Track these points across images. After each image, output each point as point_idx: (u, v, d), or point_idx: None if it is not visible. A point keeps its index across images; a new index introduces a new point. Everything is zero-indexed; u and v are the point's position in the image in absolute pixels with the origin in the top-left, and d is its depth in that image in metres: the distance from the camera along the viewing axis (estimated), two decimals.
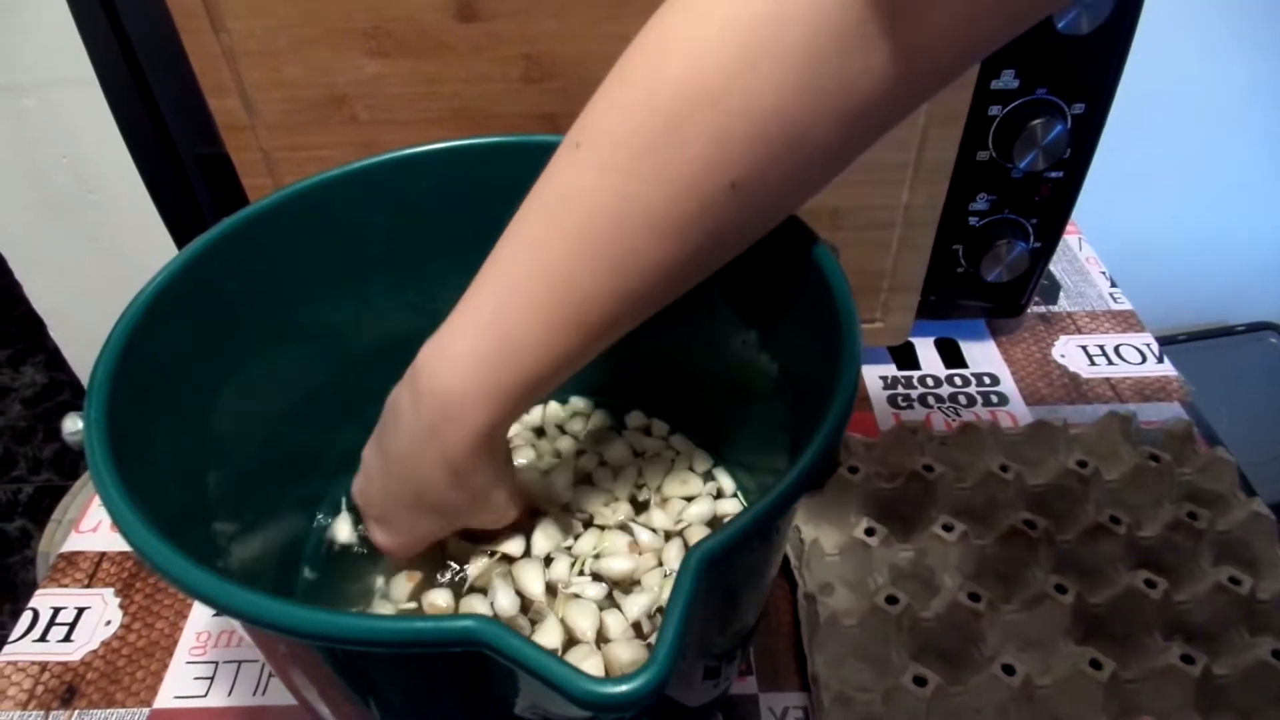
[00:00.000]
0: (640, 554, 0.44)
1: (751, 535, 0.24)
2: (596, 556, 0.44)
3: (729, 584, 0.29)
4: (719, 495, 0.48)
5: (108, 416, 0.29)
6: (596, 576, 0.43)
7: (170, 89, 0.52)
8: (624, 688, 0.21)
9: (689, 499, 0.47)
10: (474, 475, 0.35)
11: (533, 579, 0.41)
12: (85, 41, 0.50)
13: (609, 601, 0.42)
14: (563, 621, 0.40)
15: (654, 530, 0.45)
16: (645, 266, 0.30)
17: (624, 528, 0.45)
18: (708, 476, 0.49)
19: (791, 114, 0.27)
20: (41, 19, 0.73)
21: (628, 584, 0.43)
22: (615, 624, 0.40)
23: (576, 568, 0.43)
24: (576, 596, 0.41)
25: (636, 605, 0.41)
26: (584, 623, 0.40)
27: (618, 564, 0.42)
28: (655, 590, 0.42)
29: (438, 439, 0.33)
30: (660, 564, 0.44)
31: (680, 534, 0.45)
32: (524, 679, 0.22)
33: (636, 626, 0.41)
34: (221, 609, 0.23)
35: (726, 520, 0.32)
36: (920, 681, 0.40)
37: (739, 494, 0.48)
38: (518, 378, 0.32)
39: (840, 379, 0.29)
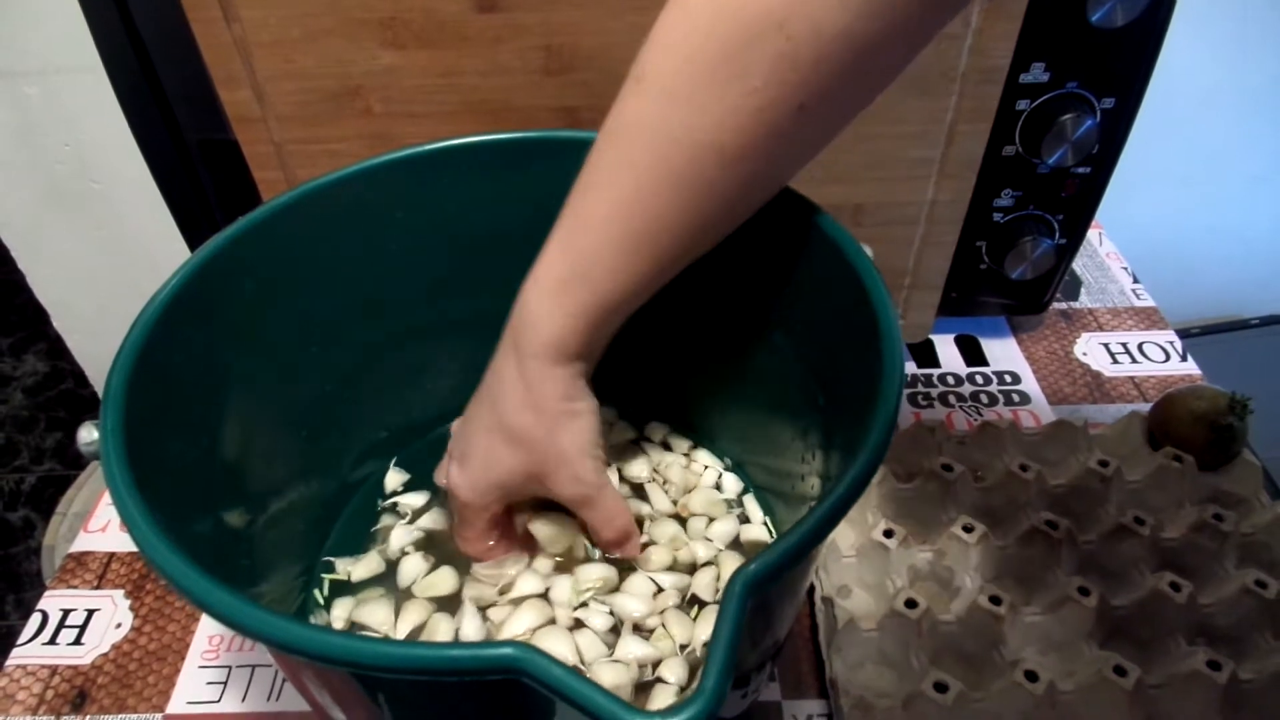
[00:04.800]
0: (659, 592, 0.43)
1: (797, 558, 0.23)
2: (616, 589, 0.43)
3: (767, 602, 0.28)
4: (744, 520, 0.47)
5: (124, 426, 0.28)
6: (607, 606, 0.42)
7: (177, 75, 0.51)
8: None
9: (712, 519, 0.47)
10: (546, 394, 0.35)
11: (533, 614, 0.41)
12: (91, 27, 0.48)
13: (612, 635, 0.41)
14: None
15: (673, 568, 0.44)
16: (713, 192, 0.30)
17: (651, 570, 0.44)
18: (735, 502, 0.48)
19: (859, 33, 0.26)
20: (45, 5, 0.71)
21: (637, 626, 0.41)
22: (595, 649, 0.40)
23: (588, 594, 0.42)
24: (580, 625, 0.41)
25: (634, 649, 0.39)
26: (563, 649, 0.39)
27: (633, 605, 0.41)
28: (659, 649, 0.40)
29: (516, 350, 0.35)
30: (680, 605, 0.42)
31: (714, 561, 0.45)
32: (562, 708, 0.22)
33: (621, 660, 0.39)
34: (256, 637, 0.22)
35: (770, 543, 0.30)
36: (941, 688, 0.40)
37: (767, 522, 0.48)
38: (590, 294, 0.33)
39: (882, 393, 0.28)
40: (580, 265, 0.33)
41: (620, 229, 0.32)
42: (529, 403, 0.36)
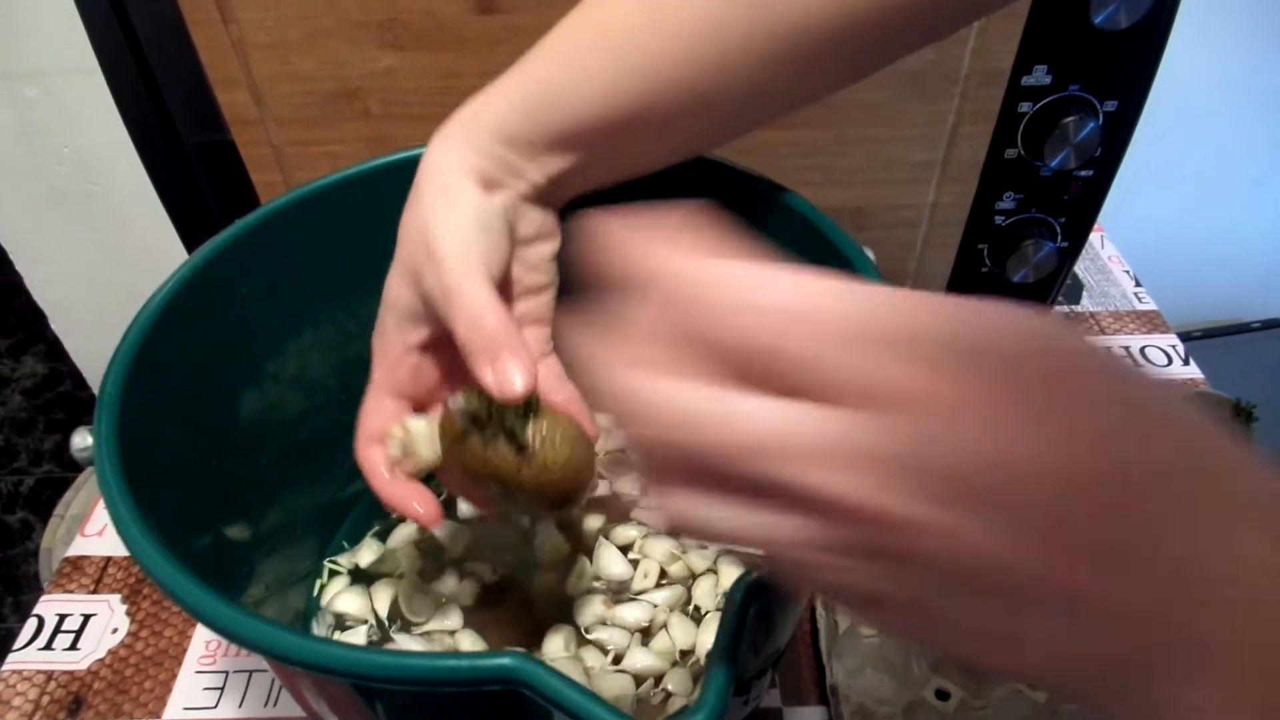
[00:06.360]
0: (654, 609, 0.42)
1: None
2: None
3: (769, 609, 0.28)
4: None
5: (119, 431, 0.28)
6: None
7: (174, 77, 0.50)
8: None
9: None
10: (428, 165, 0.32)
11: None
12: (88, 29, 0.48)
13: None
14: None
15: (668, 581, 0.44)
16: (660, 35, 0.30)
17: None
18: None
19: None
20: (43, 6, 0.71)
21: (645, 631, 0.42)
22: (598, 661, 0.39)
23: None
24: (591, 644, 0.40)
25: (640, 659, 0.39)
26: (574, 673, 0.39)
27: (632, 613, 0.41)
28: (661, 662, 0.40)
29: None
30: (682, 611, 0.43)
31: (713, 569, 0.44)
32: (560, 719, 0.21)
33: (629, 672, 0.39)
34: (251, 647, 0.22)
35: None
36: (943, 695, 0.39)
37: None
38: (521, 74, 0.33)
39: None
40: (526, 59, 0.33)
41: (569, 25, 0.33)
42: (416, 181, 0.32)
